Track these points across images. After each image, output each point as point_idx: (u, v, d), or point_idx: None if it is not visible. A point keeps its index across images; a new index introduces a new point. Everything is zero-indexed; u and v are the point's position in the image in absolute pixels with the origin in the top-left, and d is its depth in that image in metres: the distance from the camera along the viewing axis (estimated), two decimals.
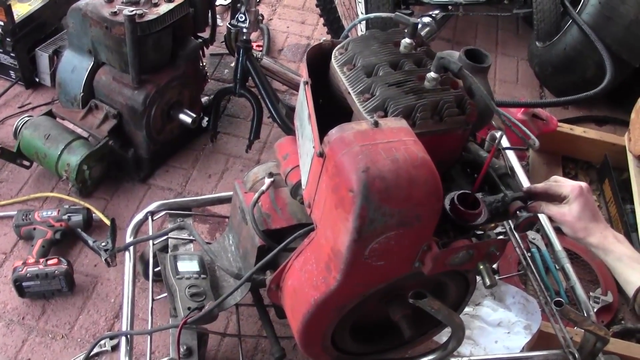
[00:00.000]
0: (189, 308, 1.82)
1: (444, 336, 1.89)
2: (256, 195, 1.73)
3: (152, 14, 2.52)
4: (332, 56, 1.62)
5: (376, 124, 1.35)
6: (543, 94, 3.77)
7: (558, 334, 2.00)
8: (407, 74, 1.54)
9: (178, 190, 2.87)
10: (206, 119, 2.94)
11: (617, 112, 3.58)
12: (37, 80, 3.23)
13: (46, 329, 2.34)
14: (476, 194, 1.54)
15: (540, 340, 2.25)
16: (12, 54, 3.12)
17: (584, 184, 1.63)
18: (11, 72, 3.20)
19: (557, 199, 1.66)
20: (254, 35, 3.68)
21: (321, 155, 1.37)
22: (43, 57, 3.12)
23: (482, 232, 1.59)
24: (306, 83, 1.59)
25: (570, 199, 1.62)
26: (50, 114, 2.81)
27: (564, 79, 3.58)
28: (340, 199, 1.32)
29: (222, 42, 3.11)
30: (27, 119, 2.77)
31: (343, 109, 1.57)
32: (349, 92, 1.53)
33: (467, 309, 2.29)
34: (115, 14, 2.48)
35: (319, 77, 1.65)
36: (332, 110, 1.59)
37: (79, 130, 2.76)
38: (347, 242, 1.33)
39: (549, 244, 2.14)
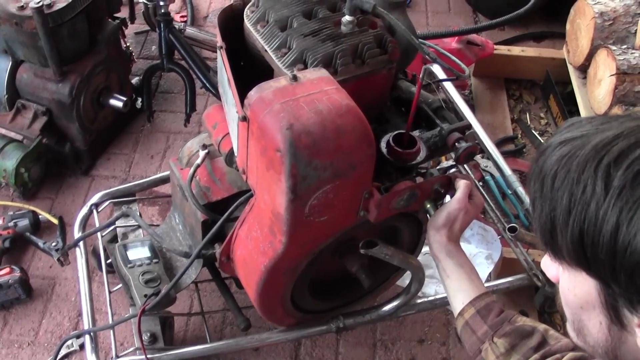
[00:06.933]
0: (145, 295, 1.79)
1: (407, 279, 1.87)
2: (191, 170, 1.67)
3: (61, 1, 2.39)
4: (244, 15, 1.57)
5: (295, 78, 1.31)
6: (477, 19, 3.71)
7: (520, 258, 1.99)
8: (322, 22, 1.49)
9: (122, 177, 2.79)
10: (139, 99, 2.86)
11: (554, 26, 3.50)
12: None
13: (11, 340, 2.27)
14: (412, 132, 1.51)
15: (505, 267, 2.25)
16: None
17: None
18: None
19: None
20: (177, 6, 3.57)
21: (244, 119, 1.33)
22: None
23: (426, 171, 1.57)
24: (221, 47, 1.53)
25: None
26: None
27: (494, 1, 3.54)
28: (270, 160, 1.28)
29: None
30: None
31: (266, 69, 1.52)
32: (265, 50, 1.48)
33: (426, 249, 2.28)
34: (22, 8, 2.35)
35: (237, 39, 1.60)
36: (255, 72, 1.54)
37: (11, 134, 2.66)
38: (285, 203, 1.29)
39: (498, 169, 2.12)
